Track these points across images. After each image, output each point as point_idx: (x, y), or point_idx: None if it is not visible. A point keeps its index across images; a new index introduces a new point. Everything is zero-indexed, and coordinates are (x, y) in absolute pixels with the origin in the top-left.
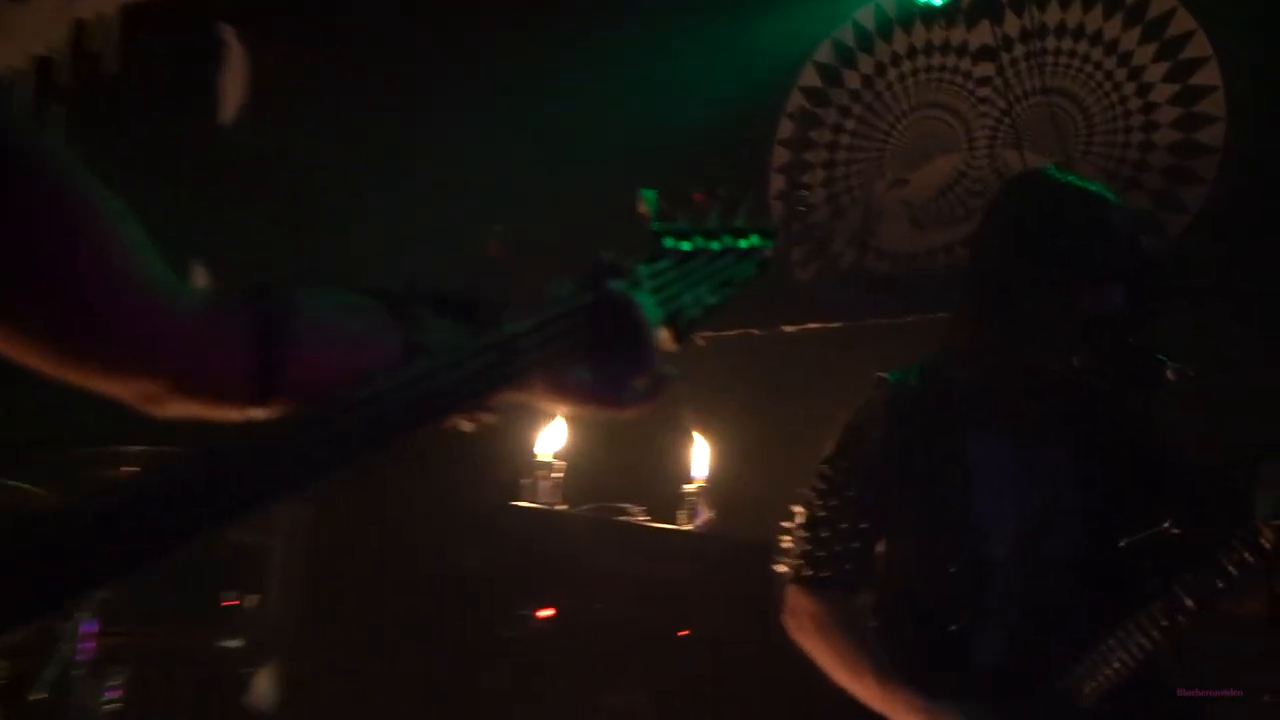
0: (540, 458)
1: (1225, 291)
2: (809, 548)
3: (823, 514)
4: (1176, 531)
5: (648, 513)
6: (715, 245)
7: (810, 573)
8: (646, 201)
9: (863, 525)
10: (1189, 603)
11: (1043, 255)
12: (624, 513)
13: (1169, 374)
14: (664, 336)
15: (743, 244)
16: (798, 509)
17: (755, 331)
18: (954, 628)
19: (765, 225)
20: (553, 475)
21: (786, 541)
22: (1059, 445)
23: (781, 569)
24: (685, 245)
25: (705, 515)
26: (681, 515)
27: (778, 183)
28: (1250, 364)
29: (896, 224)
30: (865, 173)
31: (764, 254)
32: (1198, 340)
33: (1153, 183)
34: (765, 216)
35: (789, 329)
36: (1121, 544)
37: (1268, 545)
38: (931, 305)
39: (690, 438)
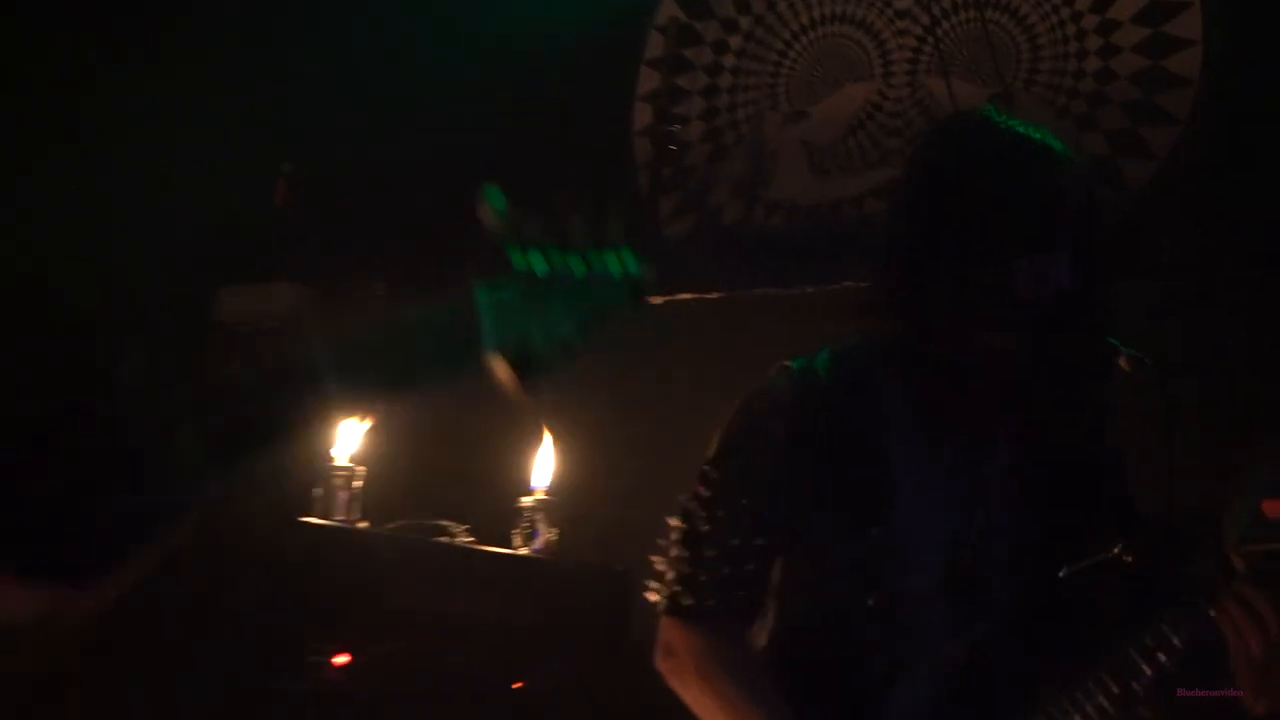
0: (335, 462)
1: (1199, 263)
2: (689, 570)
3: (706, 528)
4: (1129, 559)
5: (473, 532)
6: (578, 266)
7: (690, 601)
8: (491, 205)
9: (758, 542)
10: (1144, 673)
11: (973, 222)
12: (442, 532)
13: (1122, 364)
14: (507, 378)
15: (613, 265)
16: (674, 522)
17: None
18: (868, 677)
19: (639, 251)
20: (352, 485)
21: (660, 563)
22: (996, 453)
23: (653, 597)
24: (539, 264)
25: (546, 535)
26: (516, 536)
27: (643, 115)
28: (1228, 352)
29: (793, 169)
30: (755, 104)
31: (638, 280)
32: (1164, 323)
33: (1111, 121)
34: (644, 233)
35: (655, 300)
36: (1061, 574)
37: (1240, 596)
38: (838, 273)
39: (535, 437)
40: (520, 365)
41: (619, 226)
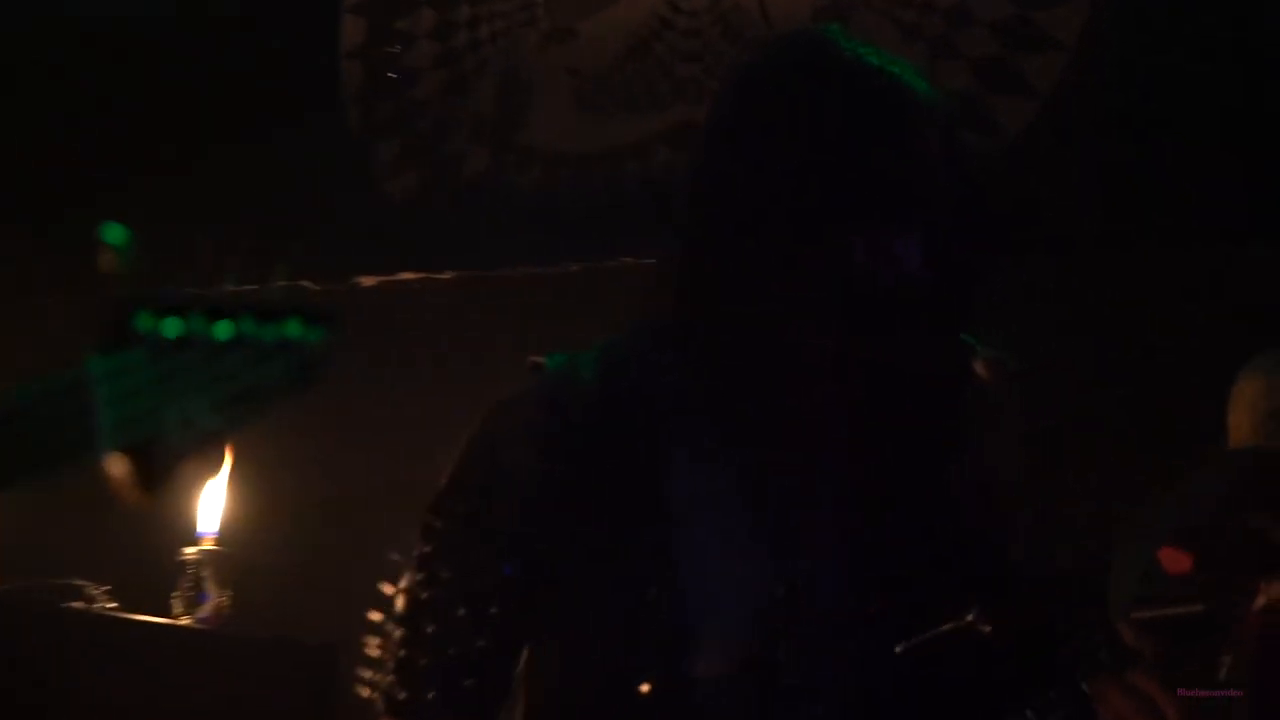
0: None
1: (1097, 235)
2: (408, 653)
3: (427, 594)
4: (986, 629)
5: (115, 596)
6: (223, 330)
7: (405, 694)
8: (112, 246)
9: (493, 611)
10: None
11: (801, 184)
12: (77, 596)
13: (979, 369)
14: (123, 474)
15: (266, 333)
16: (390, 588)
17: (310, 284)
18: None
19: (315, 307)
20: None
21: (372, 646)
22: (819, 485)
23: (365, 691)
24: (172, 328)
25: (216, 598)
26: (176, 600)
27: (353, 30)
28: (1135, 348)
29: (556, 106)
30: (504, 17)
31: (307, 351)
32: (1053, 311)
33: (977, 47)
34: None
35: (367, 281)
36: (898, 649)
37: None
38: (615, 245)
39: (204, 471)
40: (142, 457)
41: (286, 269)
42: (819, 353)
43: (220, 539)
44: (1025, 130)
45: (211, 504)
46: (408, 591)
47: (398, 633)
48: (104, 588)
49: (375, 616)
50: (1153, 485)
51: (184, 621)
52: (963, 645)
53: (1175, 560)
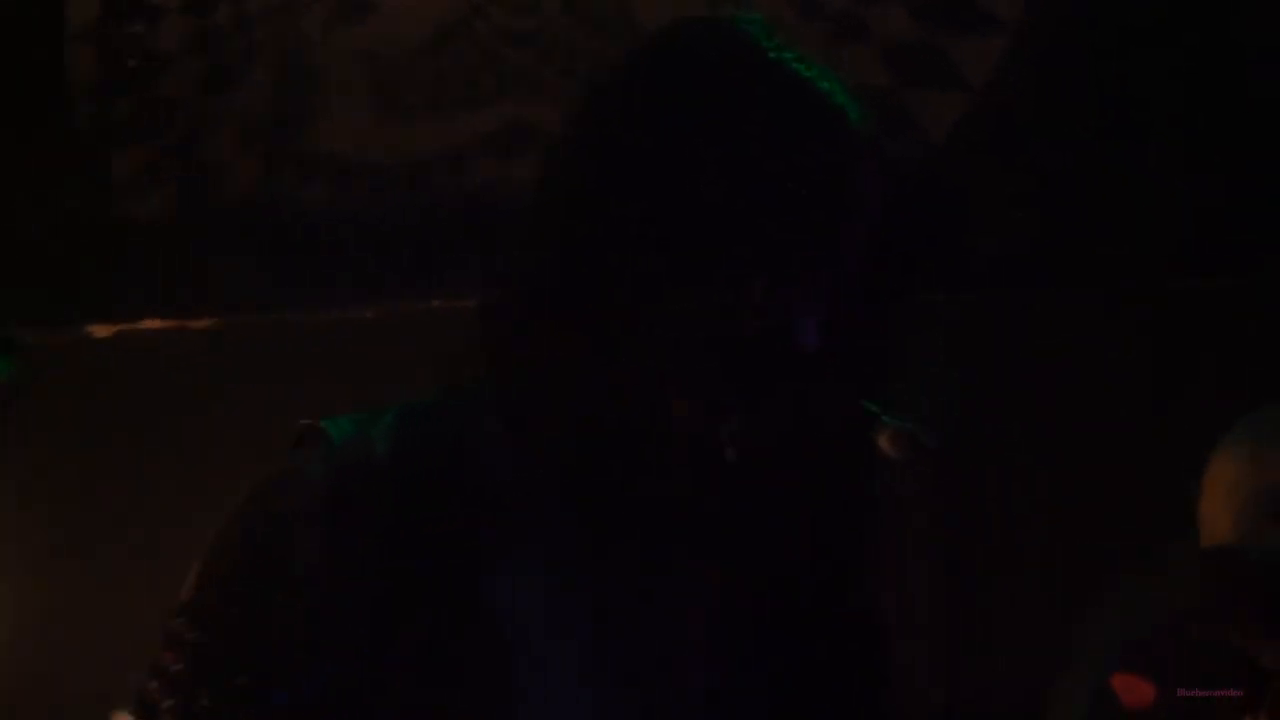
0: None
1: (1032, 260)
2: None
3: None
4: None
5: None
6: None
7: None
8: None
9: None
10: None
11: (695, 206)
12: None
13: (883, 444)
14: None
15: None
16: (121, 717)
17: (27, 335)
18: None
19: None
20: None
21: None
22: (686, 589)
23: None
24: None
25: None
26: None
27: (82, 5)
28: (1073, 415)
29: (348, 105)
30: None
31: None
32: (976, 362)
33: (892, 25)
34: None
35: (101, 331)
36: None
37: None
38: (420, 284)
39: None
40: None
41: None
42: (690, 424)
43: None
44: (950, 133)
45: None
46: None
47: None
48: None
49: None
50: (1106, 594)
51: None
52: None
53: (1133, 689)
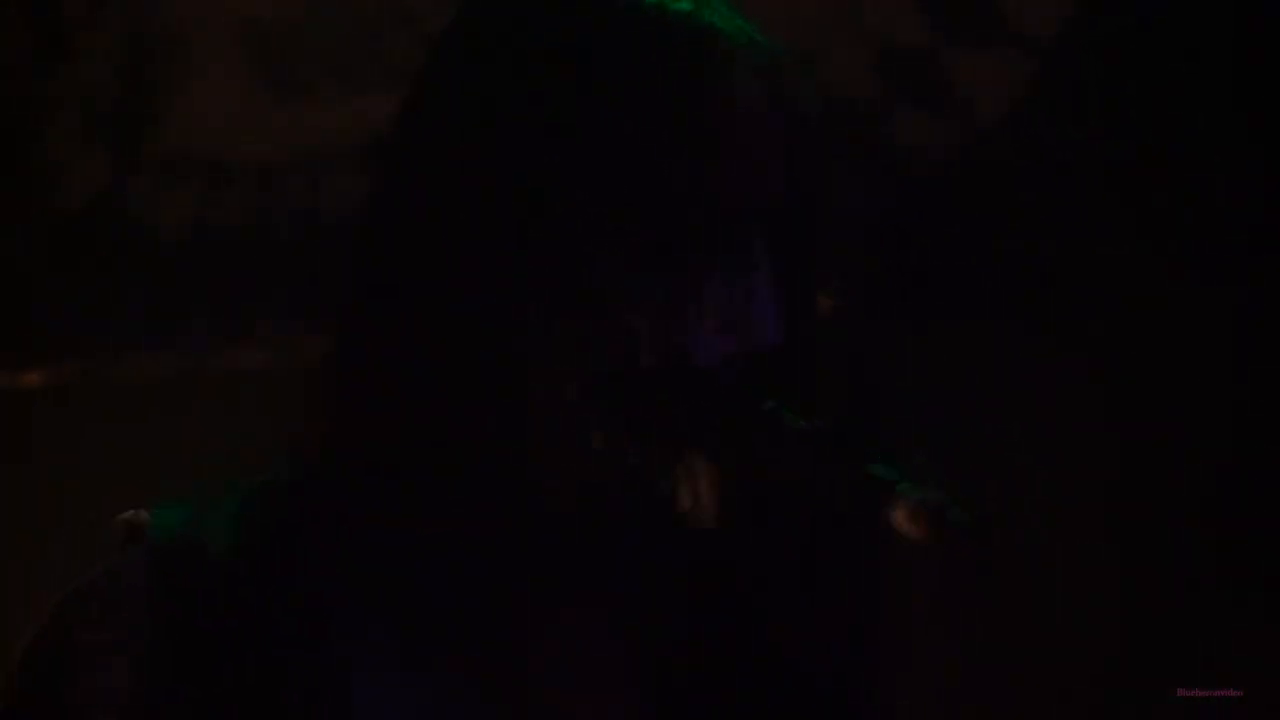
0: None
1: (1116, 274)
2: None
3: None
4: None
5: None
6: None
7: None
8: None
9: None
10: None
11: (539, 200)
12: None
13: (900, 521)
14: None
15: None
16: None
17: None
18: None
19: None
20: None
21: None
22: (617, 689)
23: None
24: None
25: None
26: None
27: None
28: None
29: (221, 77)
30: None
31: None
32: (1026, 404)
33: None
34: None
35: None
36: None
37: None
38: (311, 319)
39: None
40: None
41: None
42: (590, 505)
43: None
44: (1007, 109)
45: None
46: None
47: None
48: None
49: None
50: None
51: None
52: None
53: None
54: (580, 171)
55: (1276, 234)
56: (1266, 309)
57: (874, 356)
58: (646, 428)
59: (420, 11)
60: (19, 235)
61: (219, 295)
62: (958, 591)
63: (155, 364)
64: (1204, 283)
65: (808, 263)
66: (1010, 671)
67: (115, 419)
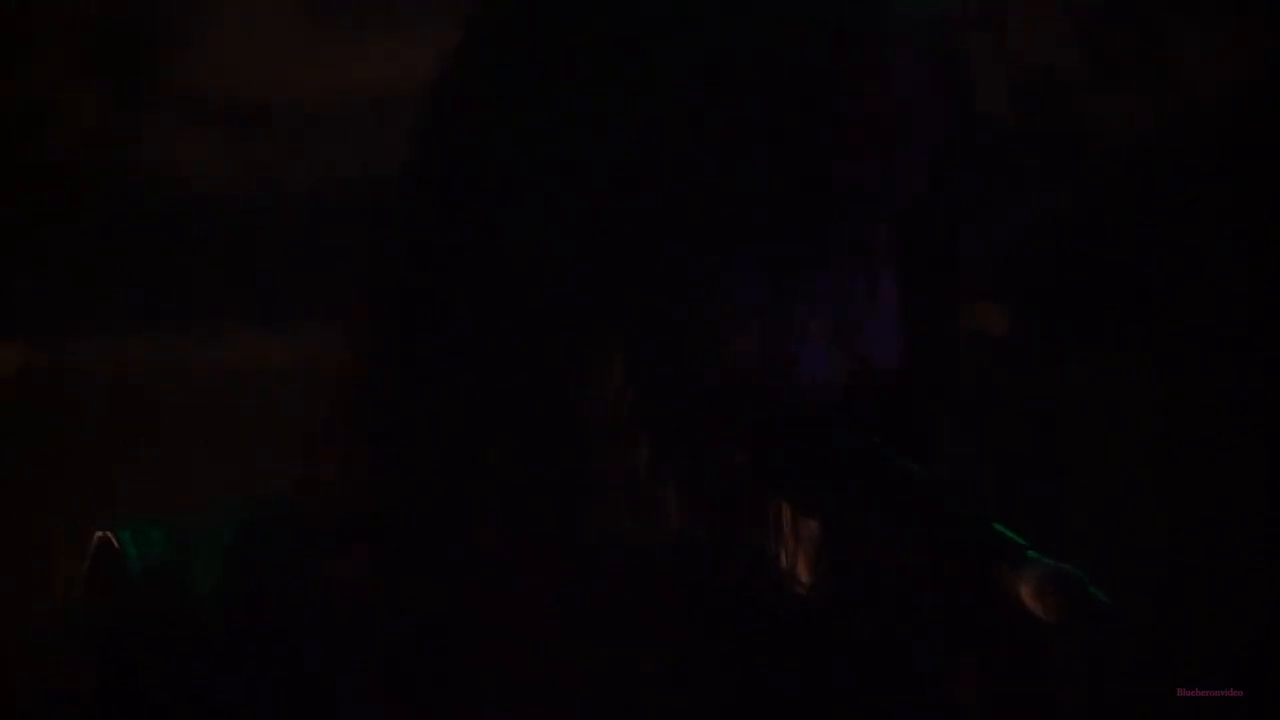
0: None
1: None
2: None
3: None
4: None
5: None
6: None
7: None
8: None
9: None
10: None
11: (648, 163)
12: None
13: (1028, 597)
14: None
15: None
16: None
17: None
18: None
19: None
20: None
21: None
22: None
23: None
24: None
25: None
26: None
27: None
28: None
29: (252, 15)
30: None
31: None
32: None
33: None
34: None
35: None
36: None
37: None
38: (318, 300)
39: None
40: None
41: None
42: (661, 575)
43: None
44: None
45: None
46: None
47: None
48: None
49: None
50: None
51: None
52: None
53: None
54: (669, 131)
55: None
56: None
57: (1029, 391)
58: (734, 473)
59: None
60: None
61: (234, 271)
62: (1096, 676)
63: (149, 351)
64: None
65: (948, 269)
66: None
67: (95, 413)
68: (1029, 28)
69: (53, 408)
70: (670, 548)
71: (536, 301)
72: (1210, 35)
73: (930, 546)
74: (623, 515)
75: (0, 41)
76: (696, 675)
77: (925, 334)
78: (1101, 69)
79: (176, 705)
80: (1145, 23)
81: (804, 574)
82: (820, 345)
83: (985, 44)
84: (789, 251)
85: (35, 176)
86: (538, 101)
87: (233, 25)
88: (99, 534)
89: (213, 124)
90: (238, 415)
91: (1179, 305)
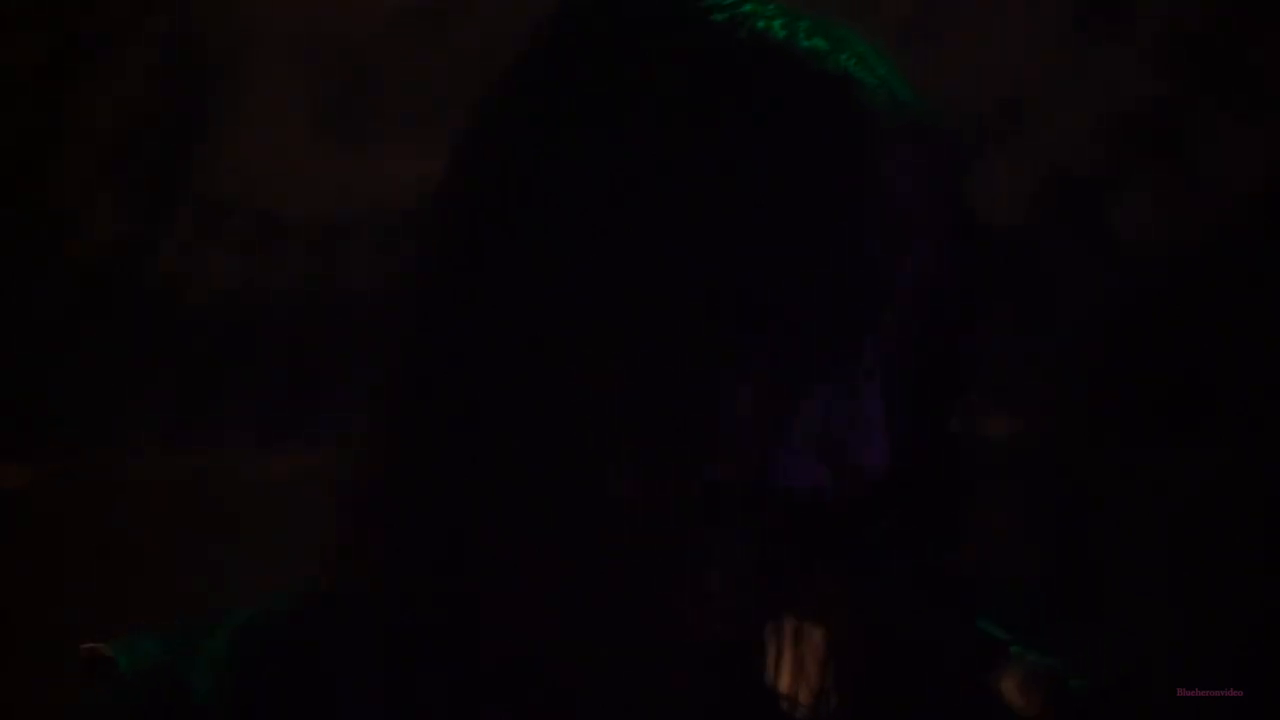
0: None
1: None
2: None
3: None
4: None
5: None
6: None
7: None
8: None
9: None
10: None
11: (635, 288)
12: None
13: (1010, 692)
14: None
15: None
16: None
17: None
18: None
19: None
20: None
21: None
22: None
23: None
24: None
25: None
26: None
27: None
28: None
29: (279, 117)
30: None
31: None
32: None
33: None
34: None
35: None
36: None
37: None
38: (347, 406)
39: None
40: None
41: None
42: (658, 688)
43: None
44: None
45: None
46: None
47: None
48: None
49: None
50: None
51: None
52: None
53: None
54: (676, 241)
55: None
56: None
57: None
58: (741, 569)
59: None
60: (13, 294)
61: (261, 379)
62: None
63: (178, 463)
64: None
65: (945, 384)
66: None
67: (122, 527)
68: (1047, 127)
69: (67, 516)
70: (679, 647)
71: (554, 408)
72: (1232, 135)
73: (915, 647)
74: (635, 616)
75: (26, 145)
76: None
77: (927, 444)
78: (1122, 169)
79: None
80: (1166, 123)
81: (802, 695)
82: (808, 455)
83: (1003, 146)
84: (774, 364)
85: (55, 281)
86: (573, 214)
87: (249, 137)
88: (86, 645)
89: (231, 234)
90: (251, 524)
91: (1202, 403)
